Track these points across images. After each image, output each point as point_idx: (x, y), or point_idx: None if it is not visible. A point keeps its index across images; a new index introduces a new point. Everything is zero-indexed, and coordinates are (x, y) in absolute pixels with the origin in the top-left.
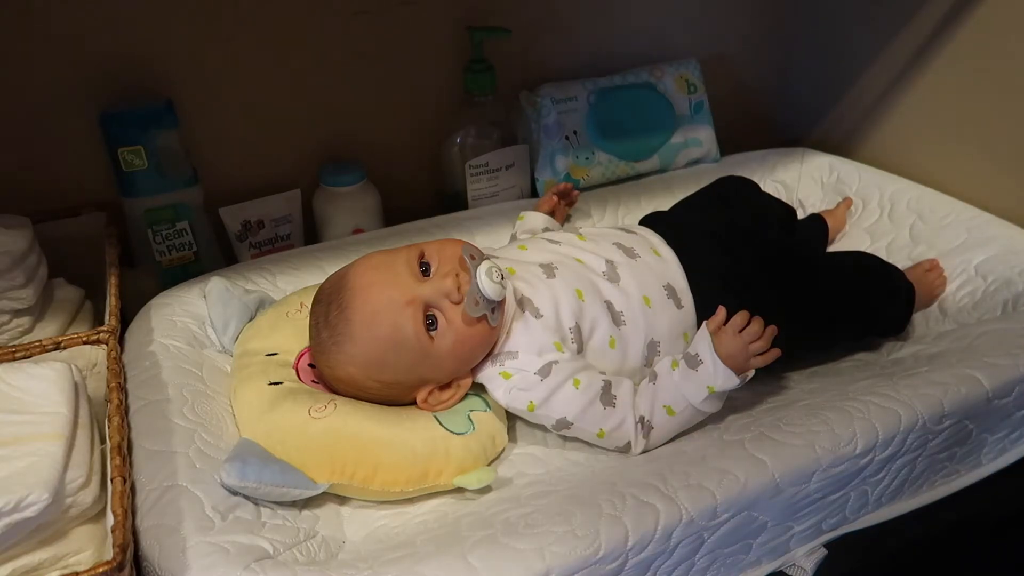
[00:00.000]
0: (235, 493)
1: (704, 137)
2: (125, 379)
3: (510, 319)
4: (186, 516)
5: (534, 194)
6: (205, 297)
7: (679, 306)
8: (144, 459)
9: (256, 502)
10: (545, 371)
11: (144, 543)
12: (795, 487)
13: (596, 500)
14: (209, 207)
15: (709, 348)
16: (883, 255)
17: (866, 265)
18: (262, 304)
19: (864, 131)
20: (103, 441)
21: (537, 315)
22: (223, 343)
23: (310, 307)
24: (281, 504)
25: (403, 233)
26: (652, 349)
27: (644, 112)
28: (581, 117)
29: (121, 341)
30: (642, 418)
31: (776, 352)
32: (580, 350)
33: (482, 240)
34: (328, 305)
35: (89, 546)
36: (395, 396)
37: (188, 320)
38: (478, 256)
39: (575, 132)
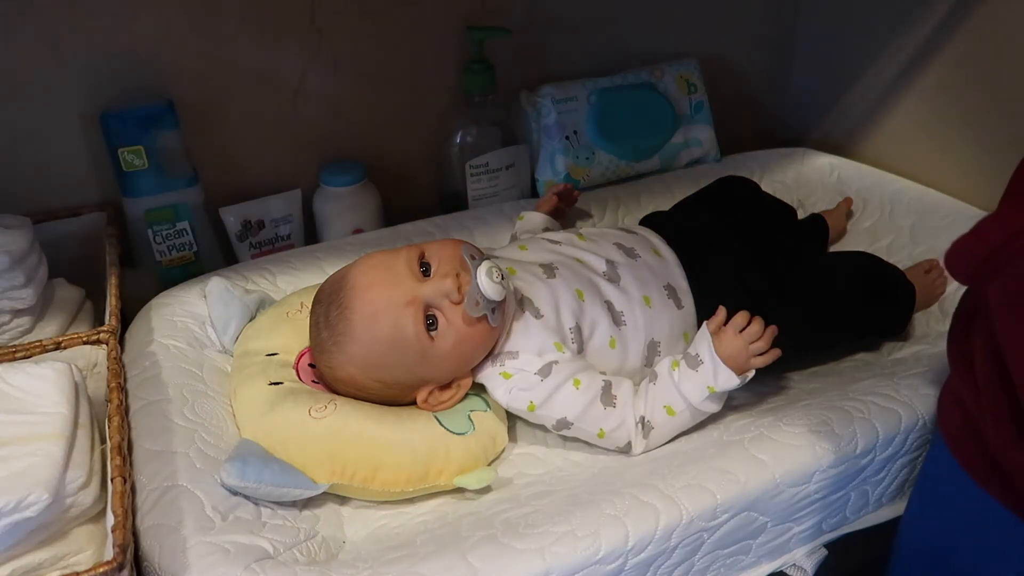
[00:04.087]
0: (235, 493)
1: (704, 137)
2: (125, 379)
3: (510, 319)
4: (186, 516)
5: (534, 194)
6: (205, 297)
7: (679, 306)
8: (144, 459)
9: (256, 502)
10: (545, 371)
11: (144, 543)
12: (795, 487)
13: (596, 500)
14: (209, 207)
15: (709, 348)
16: (883, 255)
17: (866, 265)
18: (262, 304)
19: (864, 131)
20: (103, 441)
21: (537, 315)
22: (223, 343)
23: (310, 307)
24: (281, 504)
25: (403, 233)
26: (652, 349)
27: (644, 112)
28: (581, 117)
29: (121, 341)
30: (642, 418)
31: (776, 352)
32: (580, 350)
33: (482, 240)
34: (328, 305)
35: (89, 546)
36: (395, 396)
37: (188, 320)
38: (478, 256)
39: (575, 132)
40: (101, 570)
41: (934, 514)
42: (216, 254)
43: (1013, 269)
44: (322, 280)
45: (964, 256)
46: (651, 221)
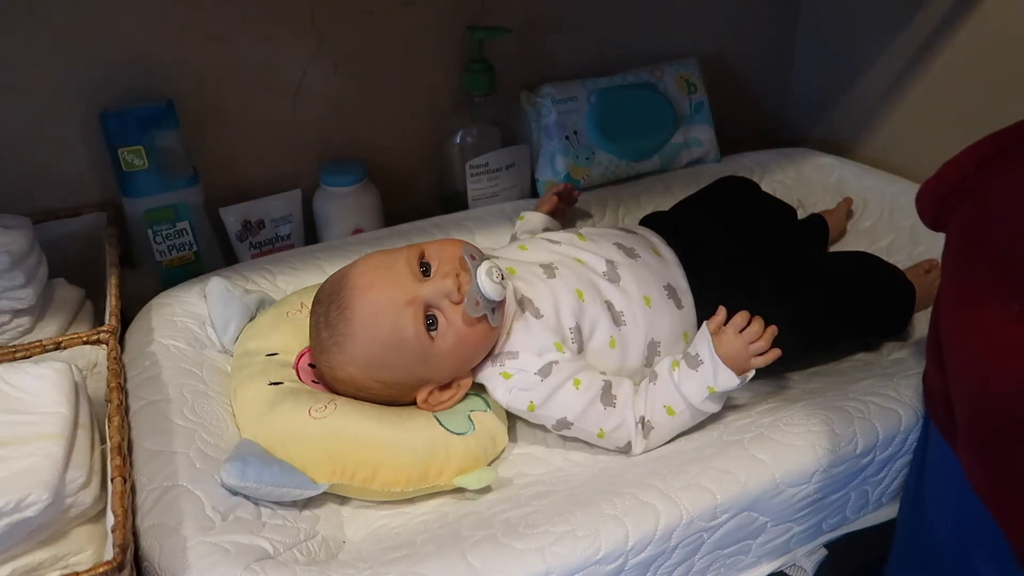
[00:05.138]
0: (235, 493)
1: (704, 137)
2: (125, 379)
3: (510, 319)
4: (186, 516)
5: (534, 194)
6: (205, 297)
7: (679, 306)
8: (144, 459)
9: (256, 502)
10: (545, 371)
11: (144, 543)
12: (795, 487)
13: (596, 500)
14: (209, 207)
15: (709, 348)
16: (883, 255)
17: (866, 265)
18: (262, 304)
19: (864, 131)
20: (103, 441)
21: (537, 315)
22: (223, 343)
23: (310, 307)
24: (281, 504)
25: (403, 233)
26: (652, 349)
27: (644, 112)
28: (581, 117)
29: (121, 341)
30: (642, 418)
31: (776, 352)
32: (580, 350)
33: (482, 240)
34: (328, 305)
35: (89, 546)
36: (395, 396)
37: (188, 320)
38: (478, 256)
39: (575, 132)
40: (101, 570)
41: (926, 489)
42: (216, 254)
43: (967, 205)
44: (322, 280)
45: (928, 198)
46: (651, 221)
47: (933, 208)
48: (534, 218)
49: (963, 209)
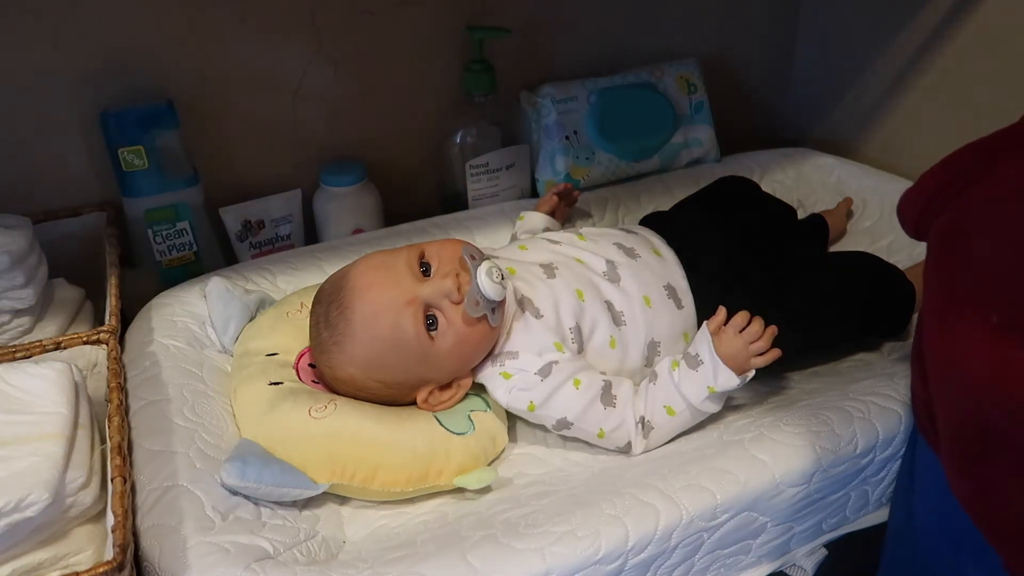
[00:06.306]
0: (235, 493)
1: (704, 137)
2: (125, 379)
3: (510, 319)
4: (186, 516)
5: (534, 194)
6: (205, 297)
7: (679, 306)
8: (144, 459)
9: (256, 502)
10: (545, 371)
11: (144, 543)
12: (795, 487)
13: (596, 500)
14: (209, 207)
15: (709, 348)
16: (883, 255)
17: (867, 265)
18: (262, 304)
19: (864, 131)
20: (103, 441)
21: (537, 315)
22: (223, 343)
23: (310, 307)
24: (281, 504)
25: (403, 233)
26: (652, 349)
27: (644, 112)
28: (581, 117)
29: (121, 341)
30: (642, 418)
31: (776, 352)
32: (580, 350)
33: (482, 240)
34: (328, 305)
35: (89, 546)
36: (395, 396)
37: (188, 320)
38: (478, 256)
39: (575, 132)
40: (101, 570)
41: (915, 494)
42: (216, 254)
43: (946, 215)
44: (322, 280)
45: (908, 208)
46: (651, 221)
47: (913, 218)
48: (534, 218)
49: (942, 220)
